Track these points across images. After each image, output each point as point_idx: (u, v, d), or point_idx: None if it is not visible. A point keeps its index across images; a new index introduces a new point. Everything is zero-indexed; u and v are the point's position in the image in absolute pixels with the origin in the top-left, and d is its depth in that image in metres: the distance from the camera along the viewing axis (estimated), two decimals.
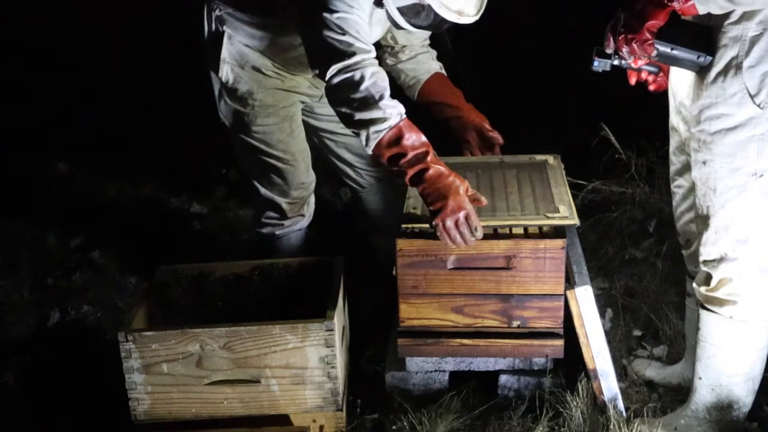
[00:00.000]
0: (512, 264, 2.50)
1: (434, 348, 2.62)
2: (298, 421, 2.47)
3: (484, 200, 2.48)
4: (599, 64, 2.27)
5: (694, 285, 2.41)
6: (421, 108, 2.99)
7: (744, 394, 2.42)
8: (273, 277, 2.82)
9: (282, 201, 3.04)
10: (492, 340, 2.59)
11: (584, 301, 2.48)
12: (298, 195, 3.05)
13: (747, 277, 2.28)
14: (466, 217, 2.38)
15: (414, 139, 2.39)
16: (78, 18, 5.10)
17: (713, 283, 2.32)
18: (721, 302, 2.32)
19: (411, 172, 2.39)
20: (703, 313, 2.37)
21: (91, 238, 3.89)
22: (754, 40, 2.11)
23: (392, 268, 2.54)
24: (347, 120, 2.44)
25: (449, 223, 2.37)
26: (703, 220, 2.31)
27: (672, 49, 2.16)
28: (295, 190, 3.03)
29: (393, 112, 2.38)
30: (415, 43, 3.00)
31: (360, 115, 2.39)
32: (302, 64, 2.75)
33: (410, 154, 2.39)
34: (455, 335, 2.60)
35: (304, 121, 3.07)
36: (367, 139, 2.39)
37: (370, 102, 2.37)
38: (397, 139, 2.38)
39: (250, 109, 2.89)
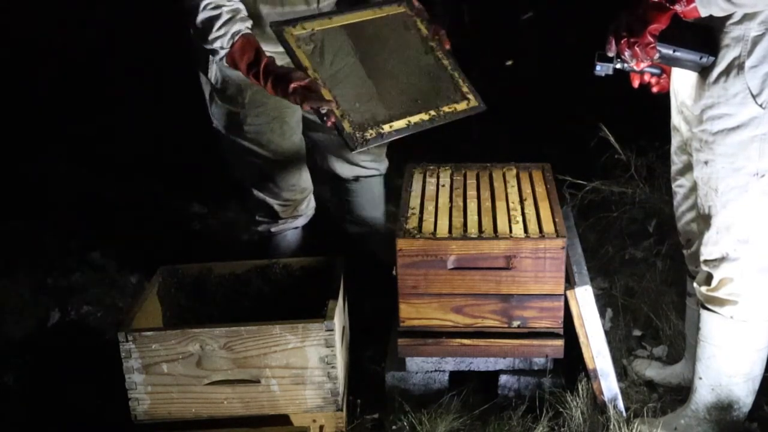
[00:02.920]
0: (512, 264, 2.50)
1: (434, 348, 2.62)
2: (298, 421, 2.47)
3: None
4: (601, 69, 2.27)
5: (695, 285, 2.41)
6: None
7: (744, 394, 2.42)
8: (273, 277, 2.82)
9: (274, 203, 3.03)
10: (492, 340, 2.59)
11: (584, 301, 2.48)
12: (290, 197, 3.03)
13: (748, 277, 2.28)
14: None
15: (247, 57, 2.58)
16: (80, 15, 5.10)
17: (714, 282, 2.32)
18: (721, 302, 2.32)
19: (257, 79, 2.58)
20: (703, 313, 2.38)
21: (91, 238, 3.89)
22: (756, 40, 2.11)
23: (392, 268, 2.55)
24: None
25: (291, 87, 2.52)
26: (704, 220, 2.31)
27: (674, 50, 2.16)
28: (286, 192, 3.01)
29: (224, 40, 2.58)
30: None
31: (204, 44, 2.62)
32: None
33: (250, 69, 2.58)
34: (455, 335, 2.60)
35: (303, 117, 3.05)
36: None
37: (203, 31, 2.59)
38: (234, 61, 2.60)
39: (240, 108, 2.88)
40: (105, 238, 3.87)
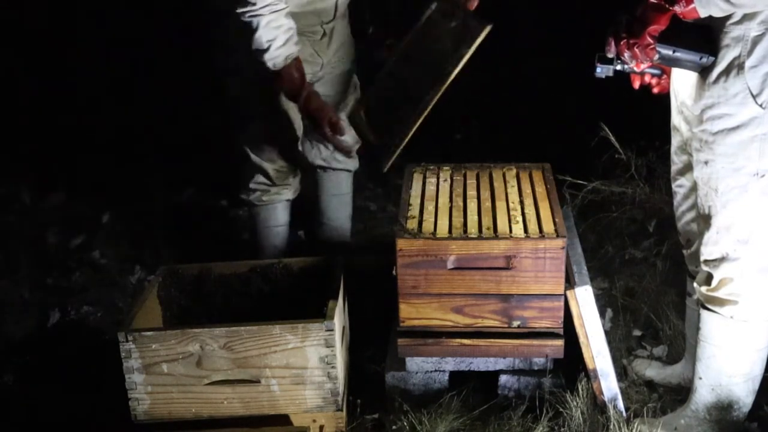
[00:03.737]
0: (512, 264, 2.50)
1: (434, 348, 2.62)
2: (298, 421, 2.47)
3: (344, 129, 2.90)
4: (602, 71, 2.27)
5: (695, 285, 2.41)
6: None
7: (744, 394, 2.42)
8: (273, 277, 2.82)
9: (270, 167, 3.17)
10: (492, 340, 2.59)
11: (584, 301, 2.48)
12: (284, 164, 3.19)
13: (748, 277, 2.28)
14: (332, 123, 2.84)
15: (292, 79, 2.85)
16: (87, 11, 5.09)
17: (714, 282, 2.32)
18: (721, 302, 2.32)
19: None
20: (703, 312, 2.38)
21: (91, 238, 3.89)
22: (756, 40, 2.11)
23: (392, 268, 2.55)
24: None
25: (324, 130, 2.86)
26: (704, 220, 2.31)
27: (674, 51, 2.16)
28: (282, 159, 3.18)
29: (278, 60, 2.81)
30: None
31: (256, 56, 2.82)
32: (315, 9, 2.99)
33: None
34: (455, 335, 2.60)
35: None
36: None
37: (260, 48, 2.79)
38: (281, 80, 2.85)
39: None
40: (105, 238, 3.87)
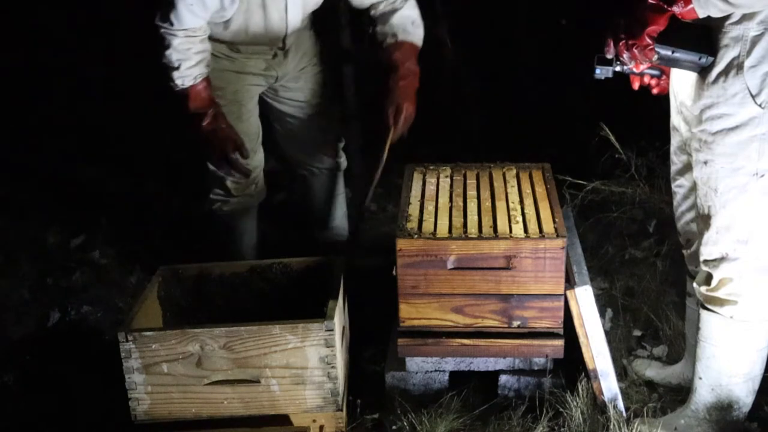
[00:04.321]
0: (512, 264, 2.50)
1: (434, 348, 2.62)
2: (298, 421, 2.47)
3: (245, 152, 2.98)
4: (601, 72, 2.27)
5: (695, 285, 2.41)
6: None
7: (744, 394, 2.42)
8: (273, 277, 2.82)
9: (227, 177, 3.16)
10: (492, 340, 2.59)
11: (584, 301, 2.48)
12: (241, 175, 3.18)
13: (747, 277, 2.28)
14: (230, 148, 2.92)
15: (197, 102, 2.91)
16: (78, 13, 5.09)
17: (714, 282, 2.32)
18: (721, 302, 2.32)
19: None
20: (703, 313, 2.37)
21: (91, 238, 3.89)
22: (755, 40, 2.11)
23: (392, 268, 2.55)
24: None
25: (227, 150, 2.93)
26: (704, 220, 2.31)
27: (673, 52, 2.16)
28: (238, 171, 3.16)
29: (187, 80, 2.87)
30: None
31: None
32: (260, 41, 3.02)
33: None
34: (455, 335, 2.60)
35: (269, 105, 3.27)
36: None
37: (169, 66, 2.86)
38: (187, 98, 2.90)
39: None
40: (105, 238, 3.87)
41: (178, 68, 2.85)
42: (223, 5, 2.82)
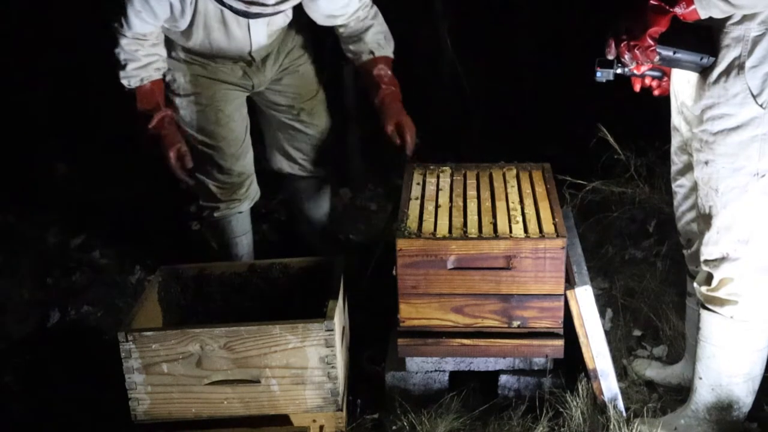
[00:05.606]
0: (512, 264, 2.50)
1: (434, 348, 2.62)
2: (298, 421, 2.47)
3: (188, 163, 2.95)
4: (602, 75, 2.27)
5: (695, 285, 2.41)
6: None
7: (744, 394, 2.42)
8: (273, 277, 2.82)
9: (210, 183, 3.15)
10: (492, 340, 2.59)
11: (584, 301, 2.48)
12: (227, 180, 3.16)
13: (748, 277, 2.28)
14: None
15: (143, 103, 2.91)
16: (76, 15, 5.09)
17: (714, 282, 2.32)
18: (722, 302, 2.32)
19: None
20: (703, 313, 2.38)
21: (91, 238, 3.89)
22: (756, 41, 2.11)
23: (392, 268, 2.55)
24: None
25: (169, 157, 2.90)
26: (704, 220, 2.31)
27: (674, 52, 2.16)
28: (222, 175, 3.14)
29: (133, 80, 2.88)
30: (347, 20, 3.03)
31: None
32: (226, 54, 2.98)
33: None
34: (455, 335, 2.60)
35: (262, 111, 3.24)
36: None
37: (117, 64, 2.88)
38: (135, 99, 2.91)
39: (174, 96, 3.05)
40: (105, 238, 3.87)
41: (124, 68, 2.86)
42: (174, 16, 2.80)
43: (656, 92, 2.42)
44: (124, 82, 2.88)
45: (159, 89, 2.94)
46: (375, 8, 3.06)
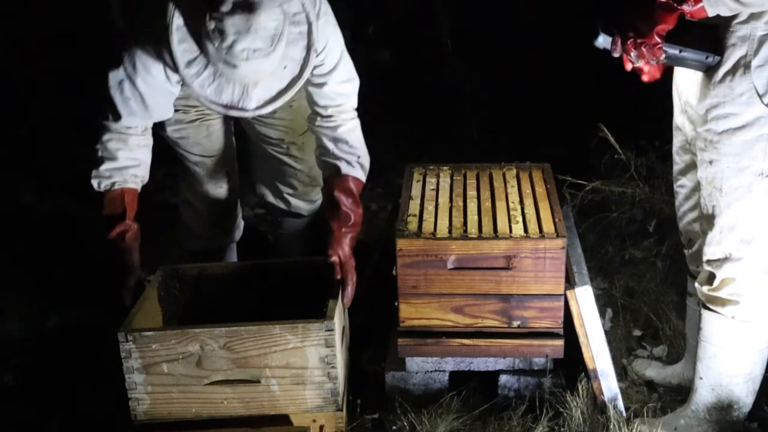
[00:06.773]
0: (512, 264, 2.50)
1: (434, 348, 2.62)
2: (298, 421, 2.47)
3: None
4: (603, 41, 2.20)
5: (696, 284, 2.41)
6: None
7: (744, 394, 2.42)
8: (273, 277, 2.82)
9: (194, 215, 3.13)
10: (492, 340, 2.59)
11: (584, 301, 2.48)
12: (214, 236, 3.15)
13: (750, 277, 2.28)
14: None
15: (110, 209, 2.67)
16: (73, 17, 5.09)
17: (716, 282, 2.32)
18: (723, 302, 2.32)
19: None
20: (704, 313, 2.37)
21: (91, 238, 3.88)
22: (762, 40, 2.11)
23: (392, 268, 2.55)
24: None
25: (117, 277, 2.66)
26: (708, 220, 2.31)
27: (680, 51, 2.15)
28: (209, 230, 3.13)
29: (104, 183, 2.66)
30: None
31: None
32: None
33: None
34: (455, 335, 2.60)
35: (251, 141, 3.13)
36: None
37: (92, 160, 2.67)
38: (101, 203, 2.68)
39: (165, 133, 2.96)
40: (105, 238, 3.86)
41: (98, 166, 2.64)
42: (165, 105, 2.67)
43: (645, 78, 2.38)
44: (94, 182, 2.65)
45: (131, 200, 2.69)
46: (357, 121, 2.80)
